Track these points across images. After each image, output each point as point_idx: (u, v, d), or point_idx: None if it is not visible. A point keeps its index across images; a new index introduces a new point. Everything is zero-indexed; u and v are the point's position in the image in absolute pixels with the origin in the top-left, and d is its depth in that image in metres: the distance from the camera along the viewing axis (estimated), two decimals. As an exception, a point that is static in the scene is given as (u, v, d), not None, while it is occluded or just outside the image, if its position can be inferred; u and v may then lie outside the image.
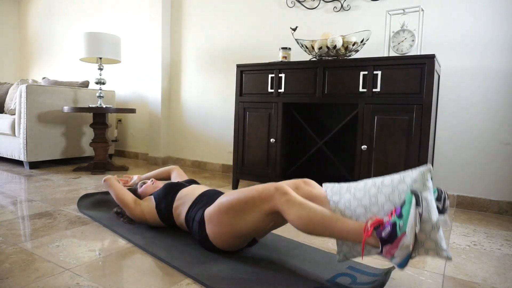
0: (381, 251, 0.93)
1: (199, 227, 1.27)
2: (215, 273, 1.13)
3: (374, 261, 1.30)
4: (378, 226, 0.95)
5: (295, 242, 1.43)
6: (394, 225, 0.91)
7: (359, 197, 1.06)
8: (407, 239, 0.88)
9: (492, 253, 1.42)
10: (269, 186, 1.11)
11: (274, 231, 1.58)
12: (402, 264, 0.92)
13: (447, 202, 1.00)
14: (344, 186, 1.13)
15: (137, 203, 1.53)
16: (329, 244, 1.45)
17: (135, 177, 1.87)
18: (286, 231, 1.59)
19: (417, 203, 0.91)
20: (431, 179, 1.00)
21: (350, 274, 1.16)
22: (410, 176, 1.01)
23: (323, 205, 1.15)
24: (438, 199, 0.99)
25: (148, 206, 1.50)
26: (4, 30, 4.98)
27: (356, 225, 0.98)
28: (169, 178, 1.88)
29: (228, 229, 1.19)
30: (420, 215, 0.91)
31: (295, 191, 1.20)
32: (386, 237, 0.91)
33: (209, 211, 1.24)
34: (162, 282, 1.08)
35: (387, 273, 1.12)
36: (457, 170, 2.14)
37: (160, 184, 1.69)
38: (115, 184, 1.62)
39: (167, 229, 1.52)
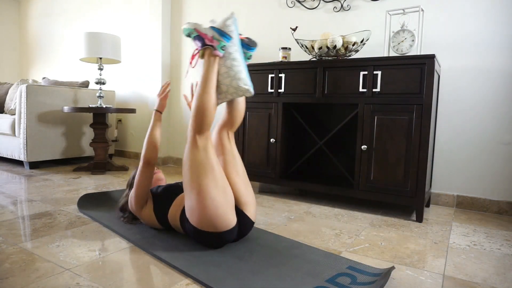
0: (203, 45, 1.34)
1: (187, 225, 1.30)
2: (215, 273, 1.13)
3: (374, 261, 1.30)
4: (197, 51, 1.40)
5: (295, 242, 1.43)
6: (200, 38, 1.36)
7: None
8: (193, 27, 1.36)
9: (492, 253, 1.42)
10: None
11: (274, 231, 1.58)
12: (218, 31, 1.33)
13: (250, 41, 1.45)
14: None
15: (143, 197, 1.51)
16: (329, 244, 1.45)
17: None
18: (286, 231, 1.60)
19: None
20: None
21: (350, 274, 1.16)
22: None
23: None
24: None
25: (148, 206, 1.50)
26: (4, 30, 4.99)
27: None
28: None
29: (198, 196, 1.24)
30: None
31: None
32: (201, 45, 1.35)
33: (185, 203, 1.31)
34: (162, 282, 1.08)
35: (387, 273, 1.12)
36: (457, 170, 2.14)
37: (161, 175, 1.68)
38: (146, 174, 1.49)
39: (167, 229, 1.51)
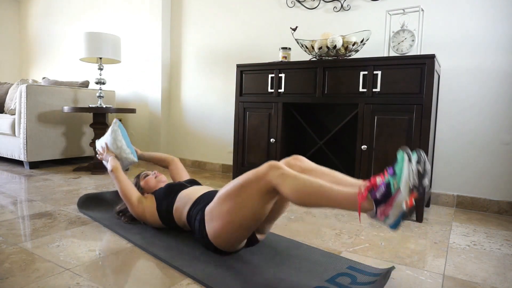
0: (376, 213, 0.94)
1: (199, 226, 1.27)
2: (215, 273, 1.13)
3: (374, 261, 1.30)
4: (372, 188, 0.95)
5: (295, 242, 1.43)
6: (388, 184, 0.92)
7: None
8: (402, 196, 0.89)
9: (492, 253, 1.42)
10: (263, 165, 1.12)
11: (274, 231, 1.58)
12: (396, 224, 0.93)
13: (427, 164, 0.96)
14: None
15: (140, 201, 1.52)
16: (329, 244, 1.45)
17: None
18: (286, 231, 1.59)
19: (410, 160, 0.92)
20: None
21: (350, 274, 1.16)
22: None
23: (311, 175, 1.17)
24: (418, 161, 0.95)
25: (149, 206, 1.50)
26: (4, 30, 4.98)
27: (350, 191, 0.98)
28: (167, 167, 1.88)
29: (227, 220, 1.16)
30: (419, 171, 0.91)
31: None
32: (380, 197, 0.92)
33: (209, 206, 1.24)
34: (162, 282, 1.08)
35: (387, 273, 1.12)
36: (457, 170, 2.14)
37: (163, 178, 1.68)
38: (122, 178, 1.59)
39: (167, 229, 1.51)
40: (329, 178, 1.17)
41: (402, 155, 0.94)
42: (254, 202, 1.11)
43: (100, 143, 1.83)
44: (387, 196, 0.92)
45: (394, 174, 0.93)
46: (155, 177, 1.65)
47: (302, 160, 1.28)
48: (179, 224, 1.43)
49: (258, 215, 1.14)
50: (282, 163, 1.19)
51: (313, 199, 1.01)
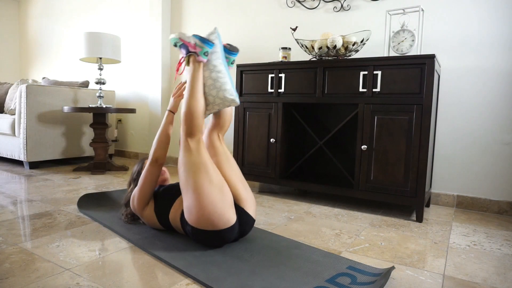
0: (187, 52, 1.40)
1: (188, 226, 1.30)
2: (215, 273, 1.13)
3: (374, 261, 1.30)
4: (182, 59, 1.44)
5: (295, 242, 1.43)
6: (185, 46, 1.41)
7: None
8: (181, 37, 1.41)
9: (492, 253, 1.42)
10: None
11: (274, 231, 1.58)
12: (199, 37, 1.38)
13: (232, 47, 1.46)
14: None
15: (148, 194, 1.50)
16: (329, 244, 1.45)
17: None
18: (286, 231, 1.60)
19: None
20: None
21: (350, 274, 1.16)
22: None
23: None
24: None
25: (149, 206, 1.50)
26: (4, 30, 4.98)
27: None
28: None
29: (192, 192, 1.26)
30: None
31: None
32: (185, 52, 1.41)
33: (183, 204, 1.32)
34: (162, 282, 1.08)
35: (387, 273, 1.12)
36: (457, 170, 2.14)
37: (167, 176, 1.67)
38: (153, 173, 1.48)
39: (168, 229, 1.51)
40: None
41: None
42: (193, 161, 1.29)
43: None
44: (186, 47, 1.41)
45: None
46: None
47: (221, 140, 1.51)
48: (174, 227, 1.43)
49: (205, 163, 1.30)
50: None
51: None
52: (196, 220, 1.26)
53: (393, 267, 1.15)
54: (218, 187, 1.28)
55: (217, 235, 1.28)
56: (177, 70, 1.51)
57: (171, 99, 1.60)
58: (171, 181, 1.77)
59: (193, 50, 1.40)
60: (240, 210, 1.34)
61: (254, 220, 1.40)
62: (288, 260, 1.25)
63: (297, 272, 1.16)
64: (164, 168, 1.67)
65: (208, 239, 1.29)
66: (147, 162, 1.49)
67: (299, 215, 1.87)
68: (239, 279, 1.09)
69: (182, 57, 1.46)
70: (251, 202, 1.40)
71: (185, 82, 1.59)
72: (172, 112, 1.56)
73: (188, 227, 1.31)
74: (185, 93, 1.37)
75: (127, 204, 1.62)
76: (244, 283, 1.07)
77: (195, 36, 1.41)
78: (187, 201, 1.28)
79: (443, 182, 2.18)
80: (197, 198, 1.25)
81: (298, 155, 2.46)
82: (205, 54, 1.40)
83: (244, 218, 1.34)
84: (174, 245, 1.35)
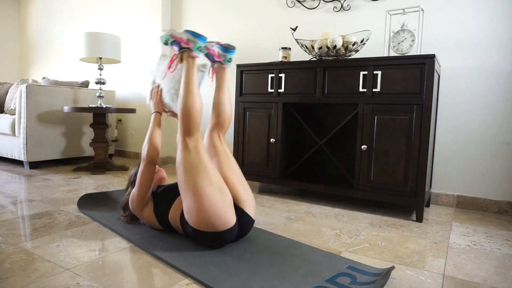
0: (180, 49, 1.39)
1: (187, 227, 1.30)
2: (215, 273, 1.13)
3: (374, 261, 1.30)
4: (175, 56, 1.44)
5: (295, 242, 1.43)
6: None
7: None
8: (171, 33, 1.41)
9: (492, 253, 1.42)
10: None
11: (274, 231, 1.58)
12: (191, 32, 1.37)
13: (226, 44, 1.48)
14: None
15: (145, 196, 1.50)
16: (329, 244, 1.45)
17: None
18: (286, 231, 1.60)
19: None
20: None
21: (350, 274, 1.16)
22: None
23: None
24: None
25: (148, 206, 1.50)
26: (4, 30, 4.98)
27: None
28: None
29: (192, 193, 1.24)
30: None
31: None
32: (177, 49, 1.41)
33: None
34: (162, 282, 1.08)
35: (387, 273, 1.12)
36: (457, 170, 2.14)
37: (164, 175, 1.66)
38: (149, 173, 1.48)
39: (167, 230, 1.51)
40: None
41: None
42: (192, 160, 1.28)
43: (157, 76, 1.59)
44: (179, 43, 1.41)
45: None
46: (156, 172, 1.64)
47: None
48: (174, 227, 1.43)
49: (204, 163, 1.28)
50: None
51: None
52: (196, 221, 1.26)
53: (393, 267, 1.15)
54: (218, 188, 1.27)
55: (217, 236, 1.27)
56: (169, 67, 1.50)
57: (151, 103, 1.60)
58: (168, 181, 1.76)
59: (186, 45, 1.38)
60: (239, 211, 1.34)
61: (253, 221, 1.40)
62: (288, 260, 1.25)
63: (297, 272, 1.16)
64: (158, 168, 1.67)
65: (207, 240, 1.29)
66: (141, 163, 1.49)
67: (299, 215, 1.87)
68: (239, 279, 1.09)
69: (175, 54, 1.45)
70: (251, 203, 1.39)
71: (158, 86, 1.61)
72: (159, 112, 1.57)
73: (188, 228, 1.31)
74: (181, 91, 1.36)
75: (125, 207, 1.62)
76: (244, 283, 1.07)
77: (187, 31, 1.39)
78: (186, 203, 1.27)
79: (443, 182, 2.18)
80: (197, 200, 1.24)
81: (298, 155, 2.46)
82: (199, 49, 1.39)
83: (243, 219, 1.34)
84: (174, 245, 1.35)
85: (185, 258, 1.23)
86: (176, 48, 1.42)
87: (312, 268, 1.19)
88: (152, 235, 1.45)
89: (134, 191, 1.50)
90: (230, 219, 1.28)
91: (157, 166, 1.65)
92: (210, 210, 1.23)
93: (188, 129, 1.31)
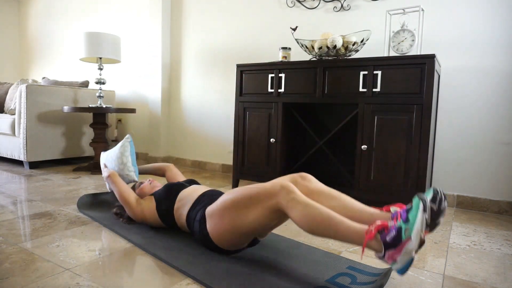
0: (383, 255, 0.94)
1: (199, 226, 1.27)
2: (215, 273, 1.13)
3: (374, 261, 1.30)
4: (383, 230, 0.95)
5: (295, 242, 1.43)
6: (399, 230, 0.92)
7: None
8: (412, 245, 0.90)
9: (492, 253, 1.42)
10: (275, 183, 1.11)
11: (274, 231, 1.58)
12: (403, 270, 0.93)
13: (444, 204, 0.97)
14: None
15: (138, 202, 1.53)
16: (329, 244, 1.45)
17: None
18: (287, 231, 1.59)
19: (424, 209, 0.92)
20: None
21: (350, 274, 1.16)
22: None
23: (320, 199, 1.18)
24: (433, 200, 0.96)
25: (149, 206, 1.50)
26: (4, 30, 4.98)
27: (358, 227, 0.98)
28: (163, 175, 1.89)
29: (230, 225, 1.17)
30: (427, 220, 0.92)
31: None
32: (390, 241, 0.92)
33: (211, 208, 1.24)
34: (162, 282, 1.08)
35: (387, 273, 1.12)
36: (457, 170, 2.14)
37: (158, 184, 1.68)
38: (118, 182, 1.63)
39: (167, 229, 1.51)
40: (337, 203, 1.18)
41: (417, 203, 0.95)
42: (260, 216, 1.12)
43: (105, 157, 1.83)
44: (397, 241, 0.92)
45: (407, 220, 0.93)
46: (150, 183, 1.66)
47: (310, 181, 1.27)
48: (178, 224, 1.43)
49: (262, 227, 1.16)
50: (290, 182, 1.20)
51: (321, 229, 1.01)
52: (217, 238, 1.23)
53: (393, 267, 1.15)
54: (253, 229, 1.18)
55: (224, 251, 1.27)
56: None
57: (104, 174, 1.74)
58: (180, 176, 1.79)
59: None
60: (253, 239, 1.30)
61: (259, 241, 1.35)
62: (288, 260, 1.25)
63: (297, 272, 1.16)
64: (150, 179, 1.70)
65: (216, 249, 1.28)
66: (130, 206, 1.54)
67: (299, 215, 1.87)
68: (239, 279, 1.09)
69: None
70: None
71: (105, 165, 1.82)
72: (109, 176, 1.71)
73: (202, 231, 1.27)
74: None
75: (117, 215, 1.65)
76: (244, 283, 1.07)
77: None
78: (220, 220, 1.20)
79: (443, 182, 2.18)
80: (231, 230, 1.18)
81: (298, 155, 2.46)
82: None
83: (253, 241, 1.30)
84: (174, 245, 1.35)
85: (185, 258, 1.23)
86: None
87: (312, 268, 1.19)
88: (152, 235, 1.45)
89: (131, 215, 1.55)
90: (245, 245, 1.27)
91: (150, 179, 1.70)
92: (235, 240, 1.21)
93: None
